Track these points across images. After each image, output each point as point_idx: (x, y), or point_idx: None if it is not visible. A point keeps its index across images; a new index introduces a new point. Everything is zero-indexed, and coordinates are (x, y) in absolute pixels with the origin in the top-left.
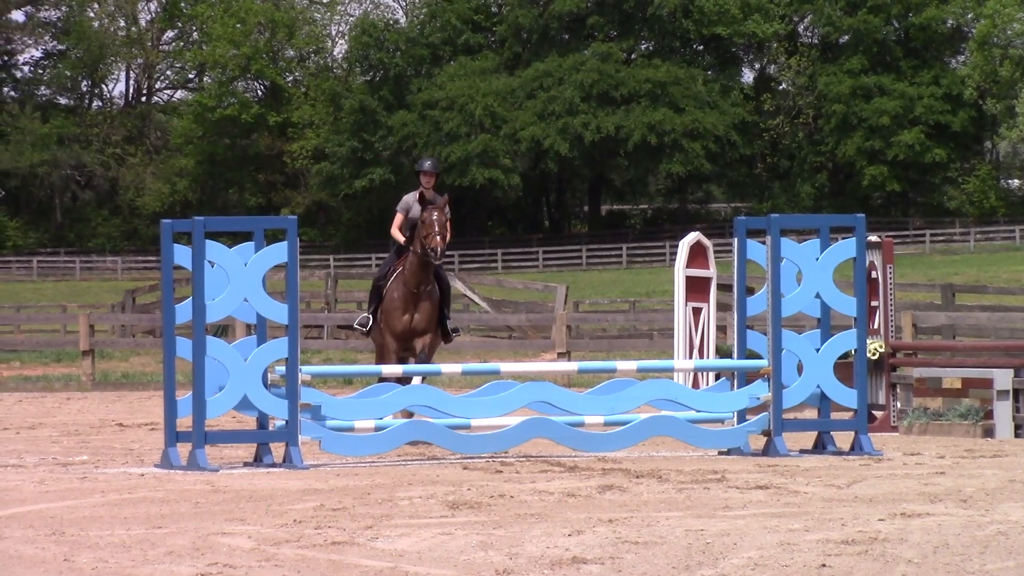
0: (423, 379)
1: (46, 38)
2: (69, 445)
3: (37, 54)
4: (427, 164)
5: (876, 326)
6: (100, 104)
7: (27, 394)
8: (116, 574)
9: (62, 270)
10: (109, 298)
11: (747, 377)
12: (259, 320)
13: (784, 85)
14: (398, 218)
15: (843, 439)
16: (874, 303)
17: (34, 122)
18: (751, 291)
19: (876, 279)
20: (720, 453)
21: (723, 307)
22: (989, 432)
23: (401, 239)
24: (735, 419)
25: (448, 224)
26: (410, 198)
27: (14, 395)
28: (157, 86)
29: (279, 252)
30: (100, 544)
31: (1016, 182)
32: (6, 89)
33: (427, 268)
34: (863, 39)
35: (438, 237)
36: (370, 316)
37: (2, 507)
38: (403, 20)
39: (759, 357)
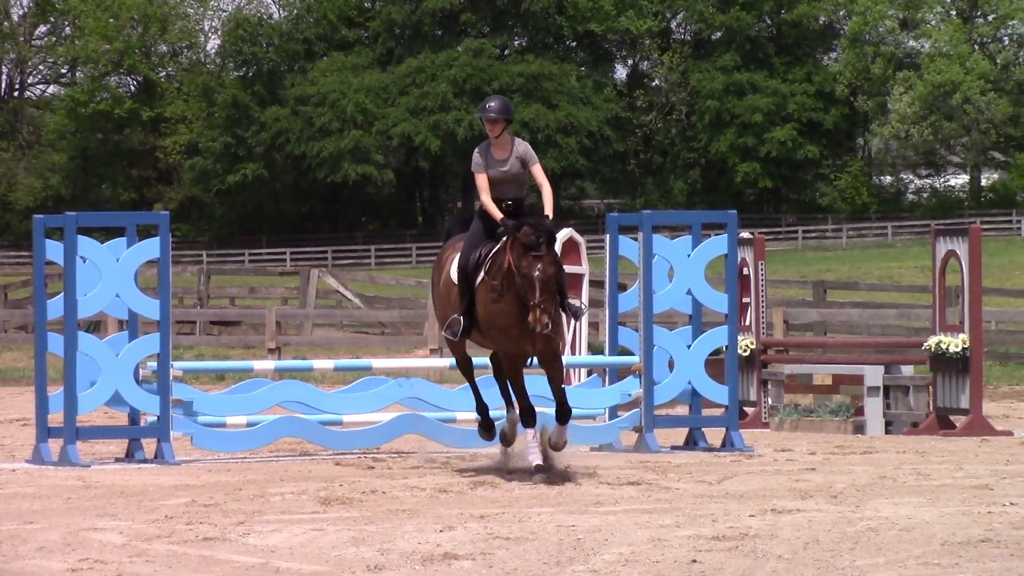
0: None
1: None
2: None
3: None
4: (492, 105)
5: (748, 323)
6: None
7: None
8: None
9: None
10: None
11: (619, 373)
12: (131, 316)
13: (657, 81)
14: (481, 181)
15: (714, 435)
16: (746, 300)
17: None
18: (623, 287)
19: (748, 275)
20: (592, 449)
21: (595, 303)
22: (860, 428)
23: (498, 215)
24: (606, 415)
25: (554, 279)
26: (483, 151)
27: None
28: (29, 81)
29: (151, 248)
30: None
31: (888, 179)
32: None
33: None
34: (735, 36)
35: (540, 312)
36: (460, 319)
37: None
38: (277, 15)
39: (631, 353)
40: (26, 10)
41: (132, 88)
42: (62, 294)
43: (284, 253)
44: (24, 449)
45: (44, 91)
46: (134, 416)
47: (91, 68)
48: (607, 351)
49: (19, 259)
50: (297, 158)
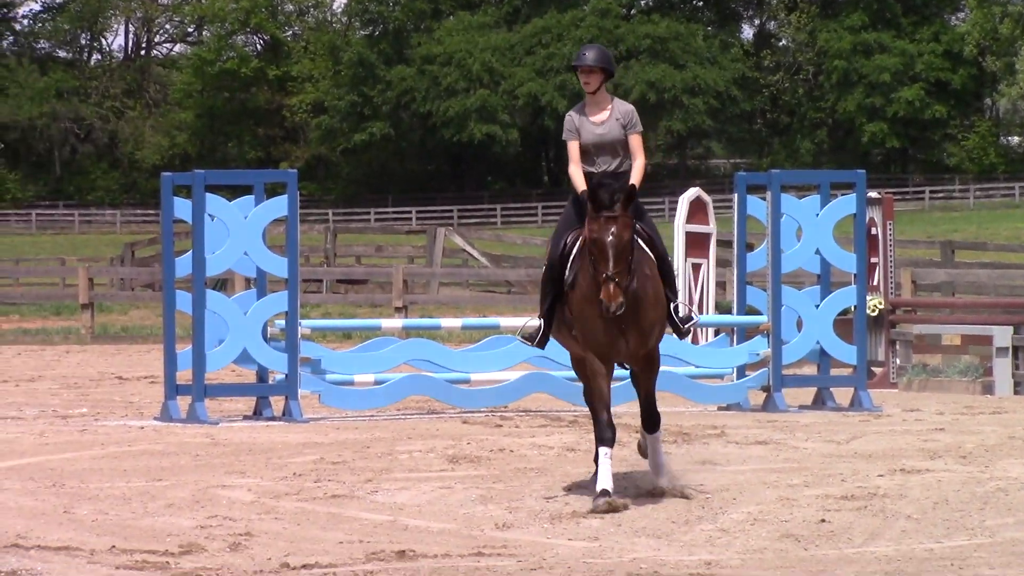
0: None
1: None
2: (69, 398)
3: (36, 7)
4: (588, 54)
5: (876, 283)
6: (99, 58)
7: (26, 347)
8: (116, 526)
9: (61, 223)
10: (108, 251)
11: (747, 333)
12: (259, 274)
13: (784, 41)
14: (573, 149)
15: (842, 395)
16: (874, 260)
17: (32, 75)
18: (751, 247)
19: (876, 235)
20: (720, 409)
21: (722, 263)
22: (988, 389)
23: (582, 185)
24: (735, 375)
25: (627, 249)
26: (577, 113)
27: (13, 348)
28: (156, 40)
29: (279, 206)
30: (100, 496)
31: (1016, 139)
32: (5, 42)
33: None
34: None
35: (614, 287)
36: (542, 321)
37: (2, 459)
38: None
39: (759, 313)
40: None
41: (258, 47)
42: (190, 252)
43: (410, 212)
44: (152, 407)
45: (171, 50)
46: (262, 374)
47: (218, 27)
48: (735, 310)
49: (146, 217)
50: (423, 117)
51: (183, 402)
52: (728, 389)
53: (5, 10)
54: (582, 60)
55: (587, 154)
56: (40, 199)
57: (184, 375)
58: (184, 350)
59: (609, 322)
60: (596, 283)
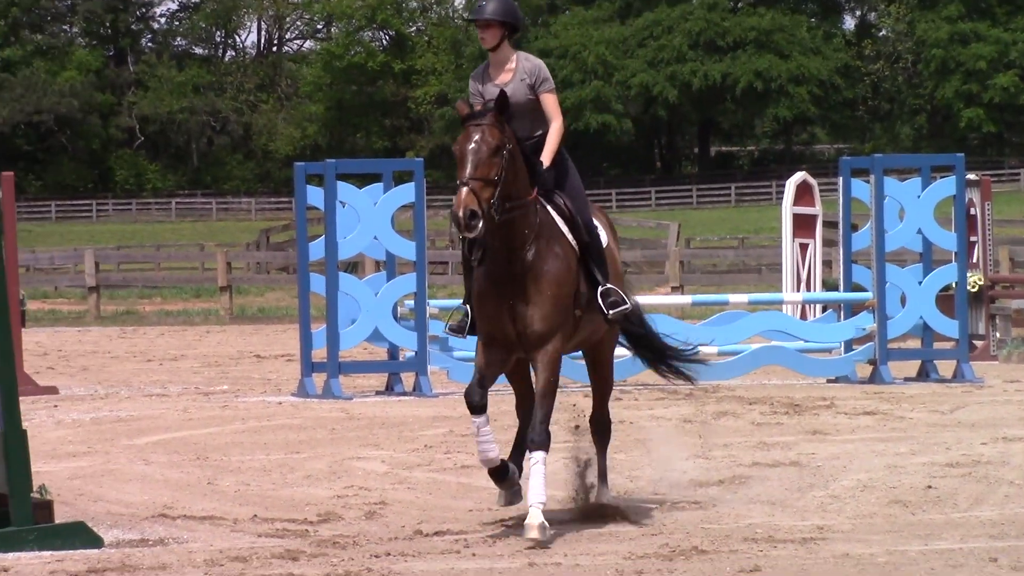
0: None
1: None
2: (210, 376)
3: (173, 6)
4: (484, 6)
5: (975, 260)
6: (233, 54)
7: (169, 328)
8: (258, 496)
9: (199, 211)
10: (244, 237)
11: (853, 309)
12: (388, 257)
13: (884, 31)
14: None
15: (945, 367)
16: (972, 238)
17: (171, 71)
18: (855, 228)
19: (975, 215)
20: (828, 381)
21: (828, 243)
22: None
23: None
24: (842, 349)
25: (492, 156)
26: (478, 74)
27: (156, 328)
28: (287, 36)
29: (407, 193)
30: (242, 468)
31: None
32: (144, 40)
33: (511, 229)
34: None
35: (466, 193)
36: (466, 308)
37: (149, 434)
38: None
39: (864, 290)
40: None
41: (384, 42)
42: (323, 237)
43: None
44: (289, 383)
45: (301, 46)
46: (393, 351)
47: (345, 23)
48: (841, 287)
49: (279, 204)
50: None
51: (318, 379)
52: (836, 362)
53: (144, 9)
54: (478, 13)
55: None
56: (179, 188)
57: (319, 353)
58: (319, 329)
59: (498, 291)
60: (494, 259)
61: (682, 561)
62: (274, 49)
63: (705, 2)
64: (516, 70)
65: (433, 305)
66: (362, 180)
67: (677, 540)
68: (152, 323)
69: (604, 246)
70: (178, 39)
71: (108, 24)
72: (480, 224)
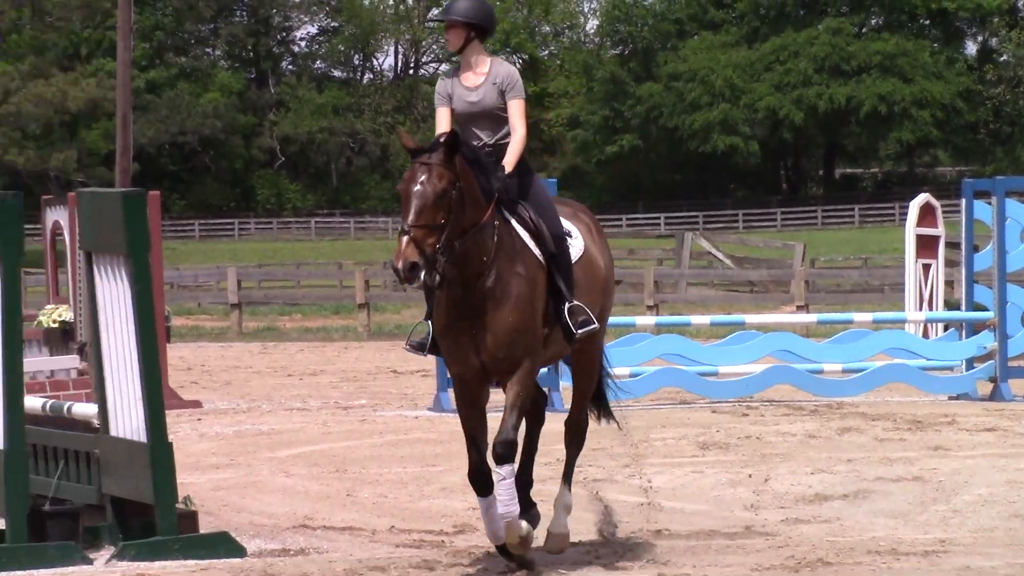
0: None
1: (321, 16)
2: (348, 390)
3: (313, 30)
4: (452, 6)
5: None
6: (371, 76)
7: (308, 344)
8: (395, 508)
9: (337, 230)
10: (381, 256)
11: (974, 328)
12: None
13: (1006, 56)
14: (441, 117)
15: None
16: None
17: (311, 93)
18: (977, 248)
19: None
20: (950, 398)
21: (950, 263)
22: None
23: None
24: (963, 367)
25: (437, 202)
26: (448, 77)
27: (297, 344)
28: (423, 59)
29: None
30: (379, 480)
31: None
32: (285, 62)
33: (466, 258)
34: None
35: (406, 243)
36: (428, 326)
37: (290, 447)
38: None
39: (985, 309)
40: None
41: (518, 65)
42: None
43: (659, 217)
44: (425, 398)
45: (436, 69)
46: None
47: None
48: (963, 307)
49: None
50: (670, 130)
51: (452, 394)
52: (958, 380)
53: (285, 33)
54: (444, 12)
55: (462, 125)
56: (319, 208)
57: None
58: None
59: (458, 323)
60: (452, 287)
61: (807, 572)
62: (410, 72)
63: (830, 27)
64: (488, 74)
65: None
66: None
67: (803, 552)
68: (292, 339)
69: (581, 253)
70: (318, 62)
71: (250, 47)
72: (422, 274)
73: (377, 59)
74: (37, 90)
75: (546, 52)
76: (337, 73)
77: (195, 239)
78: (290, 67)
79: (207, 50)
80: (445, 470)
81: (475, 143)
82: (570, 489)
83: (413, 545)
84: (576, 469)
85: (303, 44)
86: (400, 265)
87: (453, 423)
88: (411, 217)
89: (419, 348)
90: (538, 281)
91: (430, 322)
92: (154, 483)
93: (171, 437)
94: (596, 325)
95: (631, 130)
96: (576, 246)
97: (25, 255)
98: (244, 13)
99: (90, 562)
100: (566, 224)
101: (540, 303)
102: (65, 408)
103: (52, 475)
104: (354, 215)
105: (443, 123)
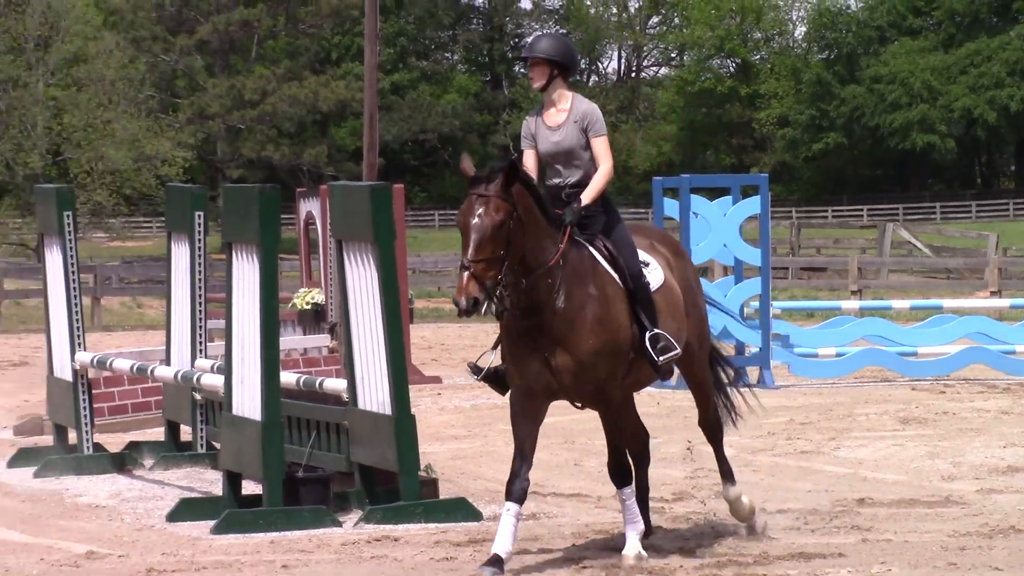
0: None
1: (550, 23)
2: None
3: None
4: (536, 44)
5: None
6: (596, 79)
7: None
8: None
9: None
10: None
11: None
12: (736, 263)
13: None
14: (527, 161)
15: None
16: None
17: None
18: None
19: None
20: None
21: None
22: None
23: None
24: None
25: (496, 235)
26: (532, 118)
27: None
28: (644, 64)
29: (753, 205)
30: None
31: None
32: (517, 66)
33: (532, 295)
34: None
35: (467, 279)
36: (492, 355)
37: None
38: (855, 6)
39: None
40: (641, 3)
41: (731, 69)
42: None
43: (861, 210)
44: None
45: (656, 72)
46: (739, 347)
47: (696, 52)
48: None
49: (637, 215)
50: (872, 129)
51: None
52: None
53: (517, 39)
54: (528, 50)
55: (547, 165)
56: None
57: None
58: None
59: (530, 349)
60: (521, 315)
61: (1000, 539)
62: (633, 75)
63: (1021, 33)
64: (570, 111)
65: (775, 306)
66: (712, 193)
67: (996, 520)
68: None
69: (660, 282)
70: None
71: (485, 52)
72: (484, 307)
73: (602, 63)
74: (291, 91)
75: (757, 56)
76: None
77: (435, 228)
78: (522, 70)
79: (446, 55)
80: (665, 442)
81: (557, 181)
82: (733, 482)
83: None
84: (797, 440)
85: None
86: (463, 302)
87: (672, 399)
88: (471, 252)
89: (474, 371)
90: (615, 301)
91: (496, 350)
92: (398, 452)
93: (414, 410)
94: (678, 350)
95: (836, 128)
96: (655, 276)
97: (281, 242)
98: (480, 21)
99: (339, 524)
100: (643, 255)
101: (622, 325)
102: (317, 383)
103: (305, 444)
104: None
105: (530, 166)
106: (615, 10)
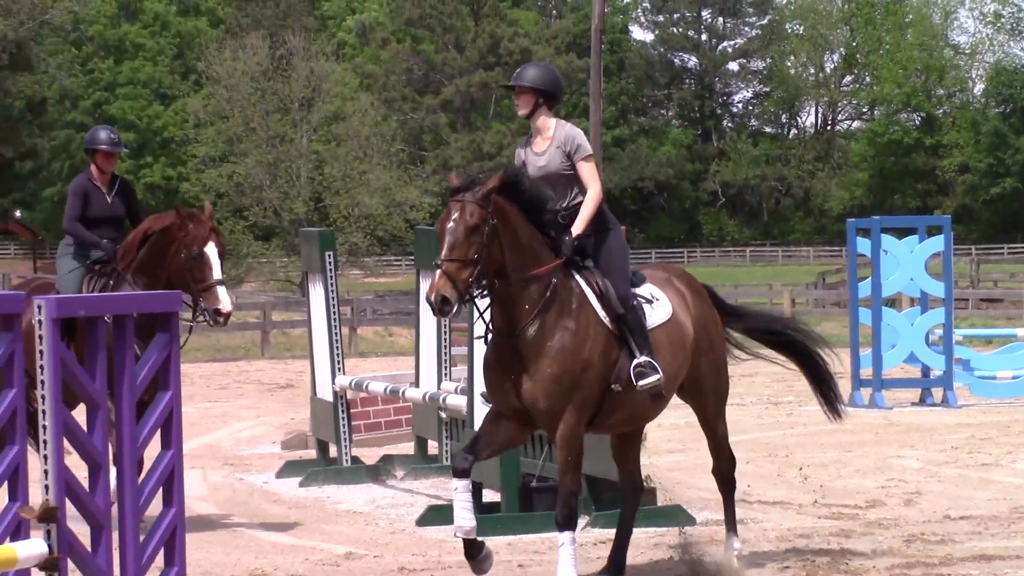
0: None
1: (754, 82)
2: (777, 389)
3: (748, 95)
4: (522, 72)
5: None
6: (795, 132)
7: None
8: (816, 486)
9: (767, 258)
10: (804, 278)
11: None
12: (922, 295)
13: None
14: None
15: None
16: None
17: (747, 145)
18: None
19: None
20: None
21: None
22: None
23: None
24: None
25: (470, 237)
26: (523, 145)
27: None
28: (839, 117)
29: (937, 243)
30: (804, 464)
31: None
32: (725, 121)
33: (509, 304)
34: None
35: (439, 276)
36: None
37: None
38: None
39: None
40: (836, 64)
41: (916, 122)
42: (869, 278)
43: None
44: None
45: (849, 125)
46: (925, 371)
47: (885, 107)
48: None
49: (832, 252)
50: None
51: (865, 392)
52: None
53: (726, 97)
54: (517, 79)
55: None
56: (752, 239)
57: (866, 372)
58: (865, 352)
59: (502, 370)
60: (497, 331)
61: None
62: (828, 128)
63: None
64: (553, 138)
65: (958, 333)
66: (900, 233)
67: None
68: None
69: (666, 317)
70: (752, 120)
71: (696, 109)
72: (455, 308)
73: (800, 117)
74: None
75: (941, 111)
76: (768, 129)
77: (651, 263)
78: (729, 125)
79: (661, 111)
80: (859, 455)
81: (550, 205)
82: (736, 534)
83: (832, 517)
84: (978, 453)
85: (740, 106)
86: (432, 298)
87: (864, 417)
88: (444, 252)
89: (485, 398)
90: (593, 339)
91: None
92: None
93: None
94: (659, 376)
95: (1011, 175)
96: (662, 311)
97: None
98: (691, 81)
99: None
100: (653, 290)
101: (591, 362)
102: None
103: (538, 458)
104: (781, 245)
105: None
106: (812, 70)
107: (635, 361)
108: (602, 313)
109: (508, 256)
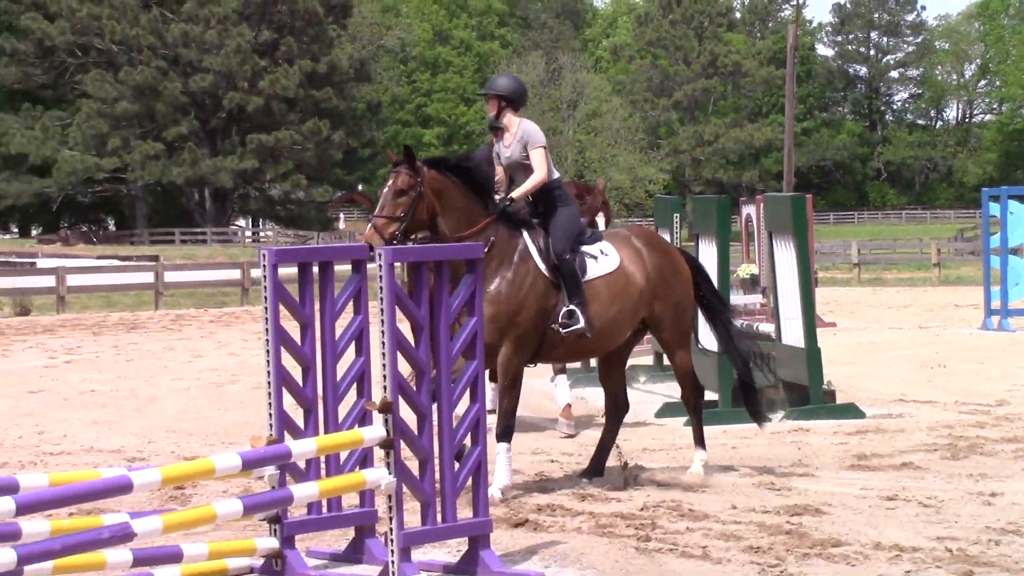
0: None
1: (910, 86)
2: (927, 316)
3: (905, 95)
4: (492, 82)
5: None
6: (941, 123)
7: (902, 288)
8: (959, 389)
9: (918, 219)
10: (947, 234)
11: None
12: None
13: None
14: (498, 174)
15: None
16: None
17: (904, 134)
18: None
19: None
20: None
21: None
22: None
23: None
24: None
25: (398, 197)
26: (496, 145)
27: (894, 288)
28: (974, 112)
29: None
30: (950, 372)
31: None
32: (887, 116)
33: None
34: None
35: (368, 226)
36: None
37: (890, 351)
38: None
39: None
40: (973, 72)
41: None
42: (998, 233)
43: None
44: (975, 321)
45: (983, 118)
46: None
47: (1011, 104)
48: None
49: (968, 215)
50: None
51: (994, 319)
52: None
53: (887, 97)
54: (488, 87)
55: (509, 179)
56: (907, 205)
57: (995, 304)
58: (995, 289)
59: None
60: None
61: None
62: (966, 120)
63: None
64: (515, 133)
65: None
66: (1022, 199)
67: None
68: (891, 285)
69: (611, 269)
70: (908, 114)
71: (866, 106)
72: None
73: (945, 112)
74: (735, 135)
75: None
76: (920, 121)
77: (830, 223)
78: (890, 118)
79: (839, 108)
80: (989, 367)
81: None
82: (704, 448)
83: (969, 412)
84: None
85: (899, 103)
86: (368, 243)
87: (993, 337)
88: (376, 209)
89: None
90: (530, 285)
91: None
92: (809, 372)
93: (819, 344)
94: (581, 325)
95: None
96: (607, 263)
97: (731, 234)
98: (862, 85)
99: (770, 420)
100: (604, 246)
101: (526, 304)
102: (755, 327)
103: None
104: (930, 209)
105: (500, 178)
106: (955, 76)
107: (564, 308)
108: (542, 265)
109: (442, 218)
